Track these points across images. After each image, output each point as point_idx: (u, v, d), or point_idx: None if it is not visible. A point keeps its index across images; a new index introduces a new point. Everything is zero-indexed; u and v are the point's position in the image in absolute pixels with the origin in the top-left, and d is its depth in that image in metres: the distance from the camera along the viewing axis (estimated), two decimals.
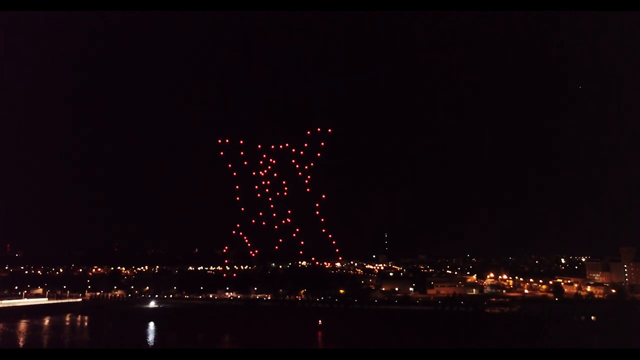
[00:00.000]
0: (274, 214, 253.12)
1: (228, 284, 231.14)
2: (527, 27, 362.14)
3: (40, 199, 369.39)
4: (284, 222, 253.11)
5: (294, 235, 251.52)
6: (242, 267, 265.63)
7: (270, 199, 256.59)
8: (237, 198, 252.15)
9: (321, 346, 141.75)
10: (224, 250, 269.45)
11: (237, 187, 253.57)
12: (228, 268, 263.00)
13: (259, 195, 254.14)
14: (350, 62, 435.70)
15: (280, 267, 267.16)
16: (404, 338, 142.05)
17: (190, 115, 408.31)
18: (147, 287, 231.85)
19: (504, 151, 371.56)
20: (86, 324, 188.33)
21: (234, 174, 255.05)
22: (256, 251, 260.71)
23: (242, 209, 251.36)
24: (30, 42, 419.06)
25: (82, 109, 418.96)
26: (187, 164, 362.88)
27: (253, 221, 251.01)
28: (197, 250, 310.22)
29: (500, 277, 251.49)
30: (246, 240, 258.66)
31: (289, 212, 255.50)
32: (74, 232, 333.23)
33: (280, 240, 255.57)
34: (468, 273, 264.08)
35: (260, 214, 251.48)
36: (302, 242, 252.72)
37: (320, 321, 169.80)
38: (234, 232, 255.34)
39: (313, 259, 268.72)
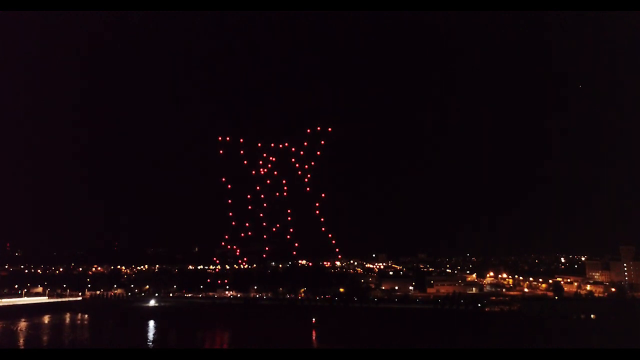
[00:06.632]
0: (264, 223, 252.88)
1: (228, 283, 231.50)
2: (526, 27, 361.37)
3: (40, 198, 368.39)
4: (278, 225, 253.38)
5: (288, 237, 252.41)
6: (241, 266, 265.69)
7: (269, 199, 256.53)
8: (230, 213, 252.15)
9: (316, 345, 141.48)
10: (215, 260, 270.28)
11: (229, 201, 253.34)
12: (228, 267, 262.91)
13: (249, 207, 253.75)
14: (351, 60, 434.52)
15: (280, 266, 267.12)
16: (403, 337, 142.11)
17: (190, 114, 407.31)
18: (147, 286, 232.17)
19: (503, 151, 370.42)
20: (86, 322, 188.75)
21: (229, 186, 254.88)
22: (245, 259, 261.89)
23: (234, 222, 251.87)
24: (30, 42, 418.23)
25: (82, 109, 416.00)
26: (187, 163, 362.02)
27: (242, 235, 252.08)
28: (196, 249, 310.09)
29: (500, 275, 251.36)
30: (235, 248, 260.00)
31: (289, 211, 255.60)
32: (74, 231, 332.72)
33: (267, 248, 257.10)
34: (468, 272, 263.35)
35: (247, 224, 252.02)
36: (296, 244, 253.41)
37: (314, 319, 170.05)
38: (222, 243, 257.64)
39: (303, 261, 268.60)
